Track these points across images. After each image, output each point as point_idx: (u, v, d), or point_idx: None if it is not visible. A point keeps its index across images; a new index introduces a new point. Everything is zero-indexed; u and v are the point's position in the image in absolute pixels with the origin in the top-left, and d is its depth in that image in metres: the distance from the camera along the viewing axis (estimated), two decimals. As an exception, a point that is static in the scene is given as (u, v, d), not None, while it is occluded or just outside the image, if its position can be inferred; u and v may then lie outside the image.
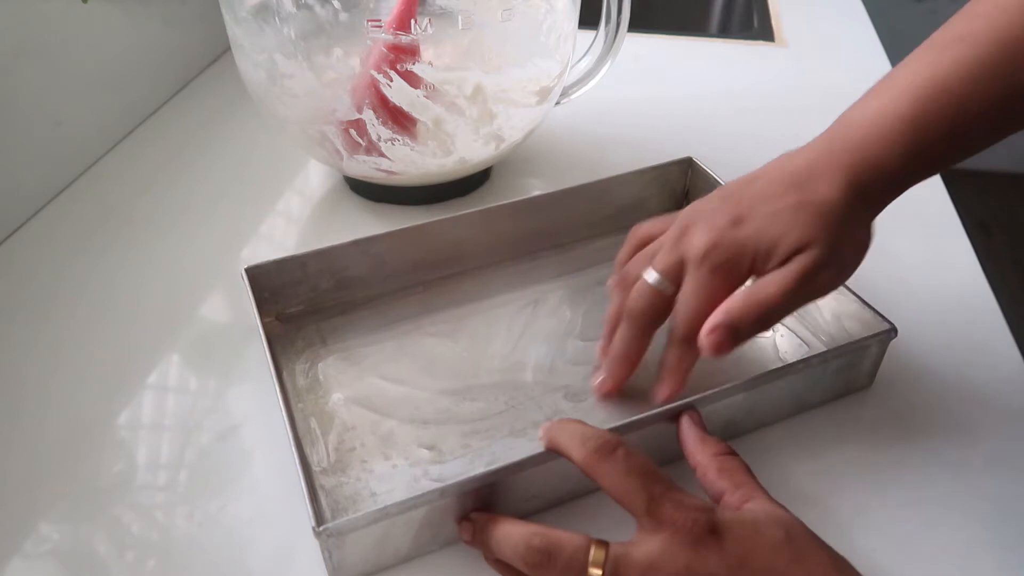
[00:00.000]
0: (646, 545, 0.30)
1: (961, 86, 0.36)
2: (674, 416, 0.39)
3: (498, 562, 0.34)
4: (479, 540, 0.35)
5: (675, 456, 0.41)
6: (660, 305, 0.40)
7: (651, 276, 0.40)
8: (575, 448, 0.33)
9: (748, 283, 0.38)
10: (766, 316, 0.37)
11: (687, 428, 0.38)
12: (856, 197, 0.37)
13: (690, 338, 0.38)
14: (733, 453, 0.36)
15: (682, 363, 0.40)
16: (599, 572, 0.30)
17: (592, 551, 0.30)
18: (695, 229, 0.39)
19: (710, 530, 0.30)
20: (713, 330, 0.36)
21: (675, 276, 0.39)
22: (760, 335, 0.47)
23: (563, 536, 0.31)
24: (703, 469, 0.35)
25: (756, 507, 0.33)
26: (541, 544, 0.31)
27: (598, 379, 0.43)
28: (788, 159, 0.39)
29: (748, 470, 0.35)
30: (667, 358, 0.40)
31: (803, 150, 0.39)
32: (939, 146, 0.37)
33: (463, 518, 0.36)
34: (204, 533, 0.38)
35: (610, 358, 0.42)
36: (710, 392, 0.39)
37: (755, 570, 0.30)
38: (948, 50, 0.37)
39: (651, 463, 0.32)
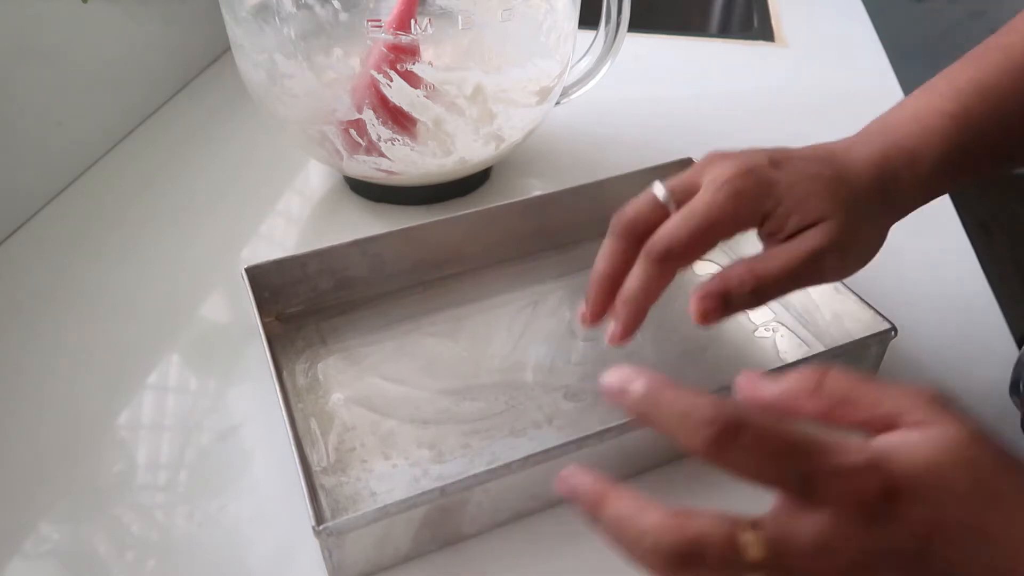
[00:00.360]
0: (810, 524, 0.24)
1: (1001, 88, 0.36)
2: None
3: None
4: (589, 514, 0.27)
5: (678, 456, 0.41)
6: (656, 221, 0.35)
7: (659, 190, 0.35)
8: (687, 436, 0.26)
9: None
10: (763, 291, 0.34)
11: (750, 388, 0.28)
12: (884, 185, 0.36)
13: (668, 260, 0.33)
14: (824, 370, 0.27)
15: (646, 290, 0.34)
16: (759, 562, 0.24)
17: (743, 540, 0.24)
18: (723, 160, 0.36)
19: (885, 496, 0.24)
20: (706, 296, 0.33)
21: (686, 198, 0.35)
22: (760, 335, 0.47)
23: (704, 526, 0.25)
24: (819, 418, 0.26)
25: (932, 441, 0.24)
26: (676, 546, 0.24)
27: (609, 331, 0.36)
28: (828, 143, 0.39)
29: (866, 380, 0.26)
30: (629, 282, 0.35)
31: (844, 139, 0.39)
32: (977, 148, 0.36)
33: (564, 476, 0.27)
34: (204, 533, 0.38)
35: (617, 301, 0.36)
36: (711, 391, 0.39)
37: (949, 535, 0.24)
38: (987, 57, 0.37)
39: (786, 429, 0.24)
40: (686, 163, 0.56)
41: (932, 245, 0.56)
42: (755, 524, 0.24)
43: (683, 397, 0.26)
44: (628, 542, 0.25)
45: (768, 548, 0.24)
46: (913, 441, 0.25)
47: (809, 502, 0.24)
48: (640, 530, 0.25)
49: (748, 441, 0.24)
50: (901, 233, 0.57)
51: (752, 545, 0.24)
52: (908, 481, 0.24)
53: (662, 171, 0.56)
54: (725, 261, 0.52)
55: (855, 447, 0.24)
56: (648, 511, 0.25)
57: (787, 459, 0.24)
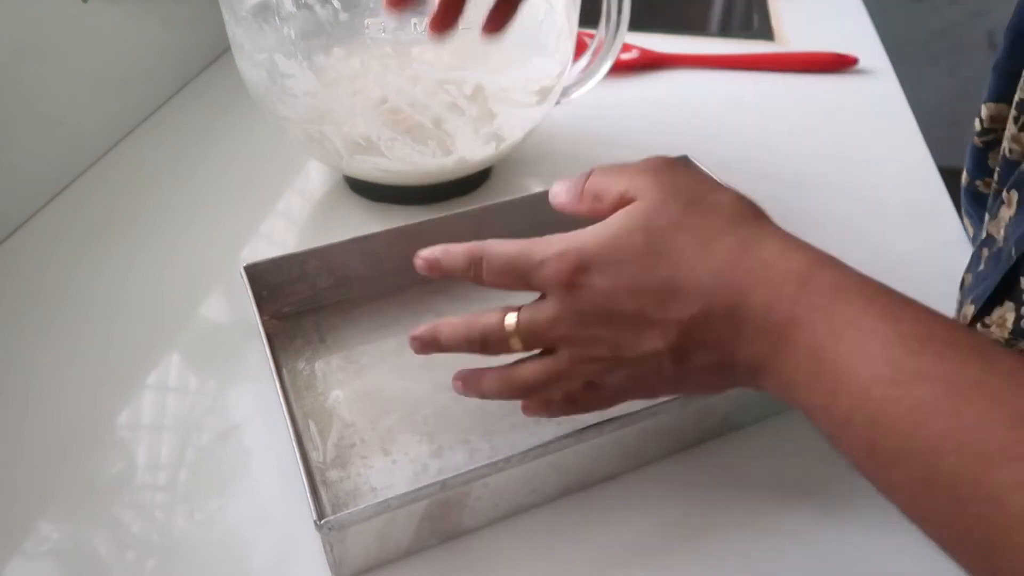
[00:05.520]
0: (543, 307, 0.34)
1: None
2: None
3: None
4: (428, 343, 0.38)
5: (677, 450, 0.41)
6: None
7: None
8: (461, 273, 0.36)
9: None
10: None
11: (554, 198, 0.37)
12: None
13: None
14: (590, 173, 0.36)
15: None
16: (518, 341, 0.35)
17: (508, 322, 0.35)
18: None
19: (577, 271, 0.32)
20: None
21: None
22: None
23: (486, 322, 0.35)
24: (590, 215, 0.35)
25: (613, 221, 0.33)
26: (472, 337, 0.36)
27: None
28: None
29: (606, 172, 0.35)
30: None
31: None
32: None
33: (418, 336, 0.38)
34: (204, 532, 0.38)
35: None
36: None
37: (632, 285, 0.32)
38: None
39: (507, 250, 0.35)
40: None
41: (932, 244, 0.56)
42: (518, 311, 0.35)
43: (450, 253, 0.36)
44: (445, 343, 0.37)
45: (520, 325, 0.34)
46: (600, 226, 0.33)
47: (541, 295, 0.34)
48: (451, 336, 0.37)
49: (487, 266, 0.35)
50: (901, 233, 0.58)
51: (511, 325, 0.35)
52: (593, 257, 0.32)
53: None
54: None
55: (555, 245, 0.33)
56: (453, 324, 0.36)
57: (511, 268, 0.34)
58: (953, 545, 0.25)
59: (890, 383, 0.26)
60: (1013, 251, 0.36)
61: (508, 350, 0.36)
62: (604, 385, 0.35)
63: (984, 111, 0.46)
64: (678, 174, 0.34)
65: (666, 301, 0.31)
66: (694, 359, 0.32)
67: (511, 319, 0.35)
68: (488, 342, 0.36)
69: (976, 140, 0.47)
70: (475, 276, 0.36)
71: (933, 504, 0.25)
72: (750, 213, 0.33)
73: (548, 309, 0.34)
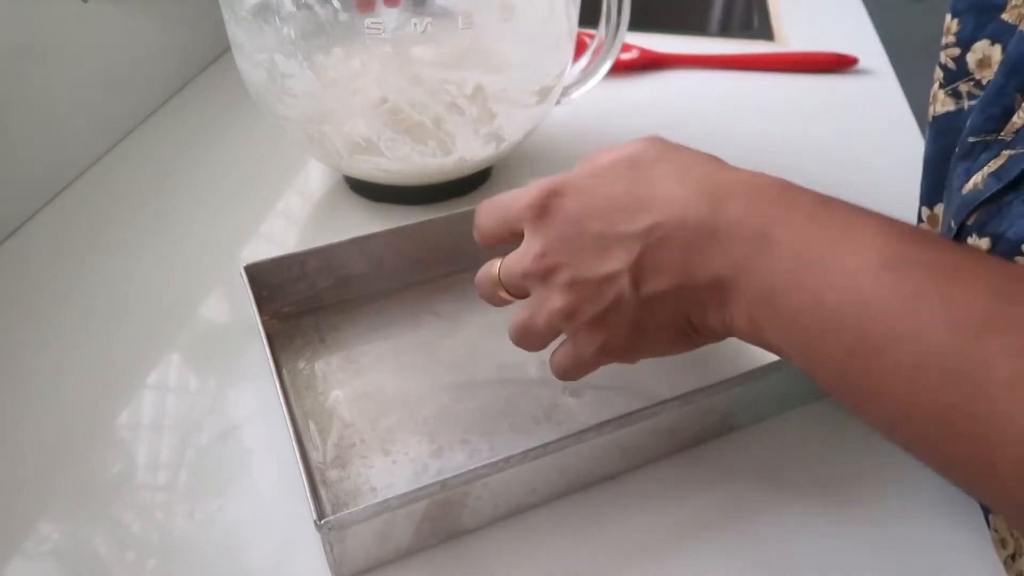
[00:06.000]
0: (516, 251, 0.35)
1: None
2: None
3: None
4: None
5: (677, 450, 0.41)
6: None
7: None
8: (479, 290, 0.39)
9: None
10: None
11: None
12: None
13: None
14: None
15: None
16: (502, 289, 0.36)
17: (494, 269, 0.36)
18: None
19: (551, 194, 0.33)
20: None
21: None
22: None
23: (480, 277, 0.38)
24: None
25: (602, 152, 0.34)
26: (480, 294, 0.38)
27: None
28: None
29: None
30: None
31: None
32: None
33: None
34: (204, 532, 0.38)
35: None
36: (707, 386, 0.39)
37: (603, 205, 0.32)
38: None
39: (496, 202, 0.36)
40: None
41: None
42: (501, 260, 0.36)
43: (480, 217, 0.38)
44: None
45: (501, 273, 0.36)
46: (587, 158, 0.34)
47: (524, 237, 0.34)
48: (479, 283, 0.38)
49: (479, 211, 0.37)
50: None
51: (494, 274, 0.36)
52: (569, 183, 0.33)
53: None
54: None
55: (535, 186, 0.34)
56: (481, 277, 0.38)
57: (494, 207, 0.36)
58: (941, 432, 0.25)
59: (881, 268, 0.26)
60: (952, 223, 0.37)
61: (502, 301, 0.37)
62: (576, 331, 0.34)
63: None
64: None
65: (634, 216, 0.31)
66: (654, 281, 0.31)
67: (496, 267, 0.36)
68: (486, 296, 0.37)
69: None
70: (478, 231, 0.37)
71: (923, 386, 0.25)
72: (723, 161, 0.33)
73: (520, 249, 0.34)
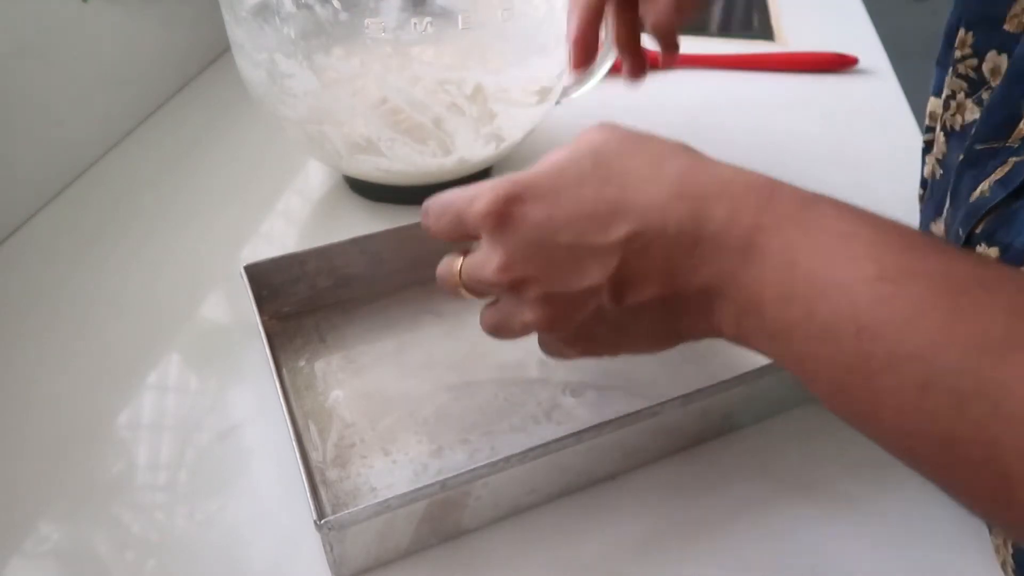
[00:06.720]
0: (480, 252, 0.32)
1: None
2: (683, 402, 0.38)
3: None
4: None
5: (677, 450, 0.41)
6: None
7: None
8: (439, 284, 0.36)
9: None
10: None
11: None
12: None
13: None
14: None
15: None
16: (463, 289, 0.35)
17: (455, 267, 0.35)
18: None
19: (509, 201, 0.30)
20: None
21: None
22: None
23: (441, 272, 0.36)
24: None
25: (560, 149, 0.32)
26: (442, 286, 0.36)
27: None
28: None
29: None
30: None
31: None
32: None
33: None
34: (204, 532, 0.38)
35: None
36: (707, 386, 0.39)
37: (572, 213, 0.29)
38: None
39: (444, 201, 0.34)
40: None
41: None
42: (464, 255, 0.34)
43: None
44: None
45: (463, 273, 0.34)
46: (544, 159, 0.31)
47: (479, 239, 0.32)
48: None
49: (430, 212, 0.34)
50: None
51: (455, 274, 0.34)
52: (528, 187, 0.30)
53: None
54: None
55: (493, 180, 0.31)
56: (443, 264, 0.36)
57: (445, 208, 0.33)
58: (950, 457, 0.22)
59: (878, 281, 0.23)
60: (960, 231, 0.36)
61: (463, 297, 0.35)
62: (555, 338, 0.33)
63: (929, 106, 0.46)
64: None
65: (609, 224, 0.28)
66: (636, 292, 0.29)
67: (456, 265, 0.34)
68: (447, 291, 0.36)
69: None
70: (427, 228, 0.35)
71: (930, 409, 0.22)
72: (694, 150, 0.31)
73: (480, 253, 0.32)
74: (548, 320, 0.31)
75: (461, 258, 0.34)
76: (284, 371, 0.45)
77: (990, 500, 0.22)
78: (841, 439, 0.42)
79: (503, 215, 0.30)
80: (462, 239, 0.34)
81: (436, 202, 0.34)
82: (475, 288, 0.34)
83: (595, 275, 0.29)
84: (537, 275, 0.30)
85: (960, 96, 0.42)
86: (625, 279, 0.29)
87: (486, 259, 0.31)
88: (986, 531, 0.37)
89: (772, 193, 0.27)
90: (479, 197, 0.31)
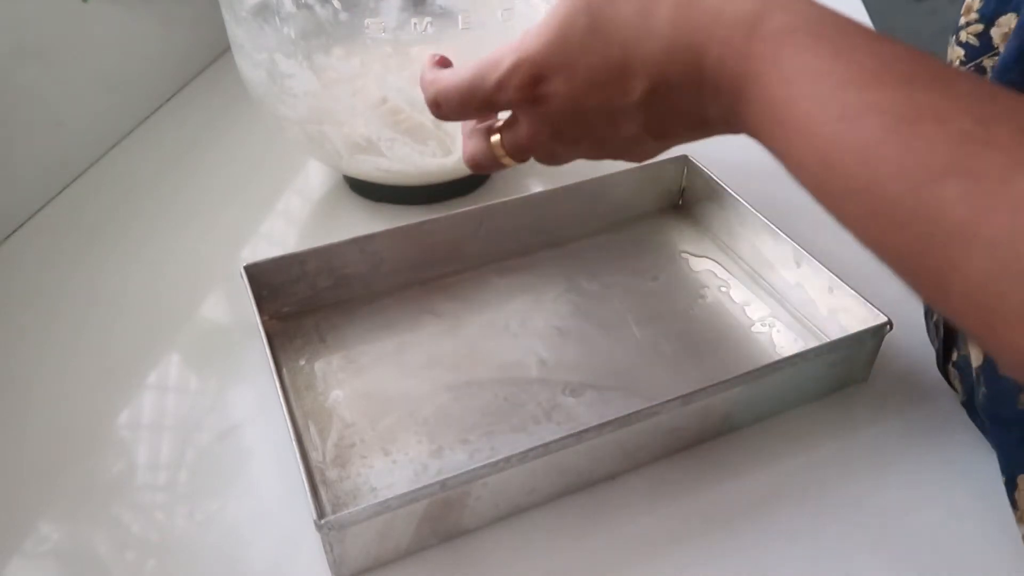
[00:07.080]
0: (517, 126, 0.35)
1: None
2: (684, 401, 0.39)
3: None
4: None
5: (677, 450, 0.41)
6: None
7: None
8: (466, 157, 0.39)
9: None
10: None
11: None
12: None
13: None
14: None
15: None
16: (508, 158, 0.37)
17: (494, 141, 0.37)
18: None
19: (535, 82, 0.32)
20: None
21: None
22: (757, 330, 0.47)
23: (474, 150, 0.38)
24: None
25: (554, 9, 0.32)
26: (468, 161, 0.39)
27: None
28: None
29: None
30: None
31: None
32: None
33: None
34: (204, 532, 0.38)
35: None
36: (707, 386, 0.39)
37: (590, 80, 0.31)
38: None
39: (459, 81, 0.35)
40: (681, 161, 0.56)
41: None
42: (500, 130, 0.36)
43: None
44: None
45: (505, 146, 0.36)
46: (542, 23, 0.32)
47: (510, 116, 0.36)
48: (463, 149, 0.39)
49: (445, 107, 0.36)
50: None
51: (498, 145, 0.36)
52: (545, 64, 0.32)
53: (658, 169, 0.56)
54: (724, 259, 0.53)
55: (505, 61, 0.33)
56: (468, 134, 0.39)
57: (468, 101, 0.35)
58: (907, 273, 0.25)
59: (837, 120, 0.26)
60: None
61: (503, 167, 0.38)
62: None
63: None
64: None
65: (625, 86, 0.31)
66: (671, 128, 0.33)
67: (495, 140, 0.37)
68: (482, 165, 0.38)
69: None
70: (443, 119, 0.37)
71: (881, 233, 0.25)
72: None
73: (523, 127, 0.35)
74: (596, 156, 0.36)
75: (494, 135, 0.37)
76: (284, 371, 0.45)
77: (945, 311, 0.25)
78: (841, 439, 0.42)
79: (535, 99, 0.33)
80: (476, 118, 0.38)
81: (452, 95, 0.35)
82: (522, 154, 0.37)
83: (632, 127, 0.33)
84: (584, 133, 0.34)
85: (955, 65, 0.41)
86: (658, 123, 0.32)
87: (534, 132, 0.35)
88: (985, 531, 0.37)
89: (756, 26, 0.29)
90: (503, 86, 0.33)
